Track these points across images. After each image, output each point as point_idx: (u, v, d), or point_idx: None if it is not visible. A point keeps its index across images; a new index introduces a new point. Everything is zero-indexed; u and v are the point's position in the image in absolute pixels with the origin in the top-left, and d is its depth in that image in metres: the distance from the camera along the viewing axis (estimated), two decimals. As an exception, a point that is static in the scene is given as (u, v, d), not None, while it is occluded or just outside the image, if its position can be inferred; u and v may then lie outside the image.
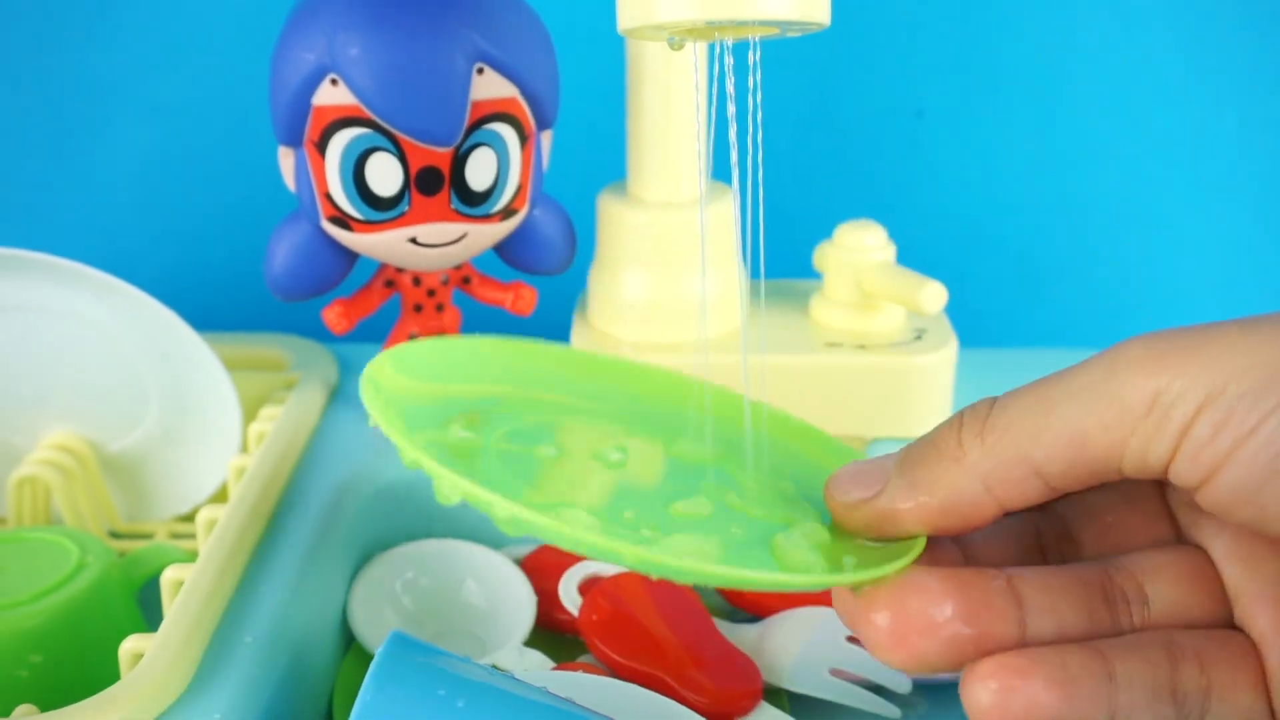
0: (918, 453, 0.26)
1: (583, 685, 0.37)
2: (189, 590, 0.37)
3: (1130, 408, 0.22)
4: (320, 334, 0.54)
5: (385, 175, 0.43)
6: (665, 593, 0.42)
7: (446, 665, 0.32)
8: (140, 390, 0.49)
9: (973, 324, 0.53)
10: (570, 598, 0.43)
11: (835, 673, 0.40)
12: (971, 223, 0.66)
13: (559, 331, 0.50)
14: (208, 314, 0.52)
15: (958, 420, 0.26)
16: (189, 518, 0.51)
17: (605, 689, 0.37)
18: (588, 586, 0.44)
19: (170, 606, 0.39)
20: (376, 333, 0.52)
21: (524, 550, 0.47)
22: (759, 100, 0.31)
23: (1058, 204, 0.66)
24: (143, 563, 0.46)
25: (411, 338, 0.49)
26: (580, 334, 0.50)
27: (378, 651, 0.31)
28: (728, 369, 0.47)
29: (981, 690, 0.24)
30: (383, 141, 0.42)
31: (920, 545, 0.26)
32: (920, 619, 0.25)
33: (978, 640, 0.24)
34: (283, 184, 0.46)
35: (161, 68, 0.62)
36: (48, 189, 0.64)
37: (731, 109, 0.31)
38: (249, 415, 0.51)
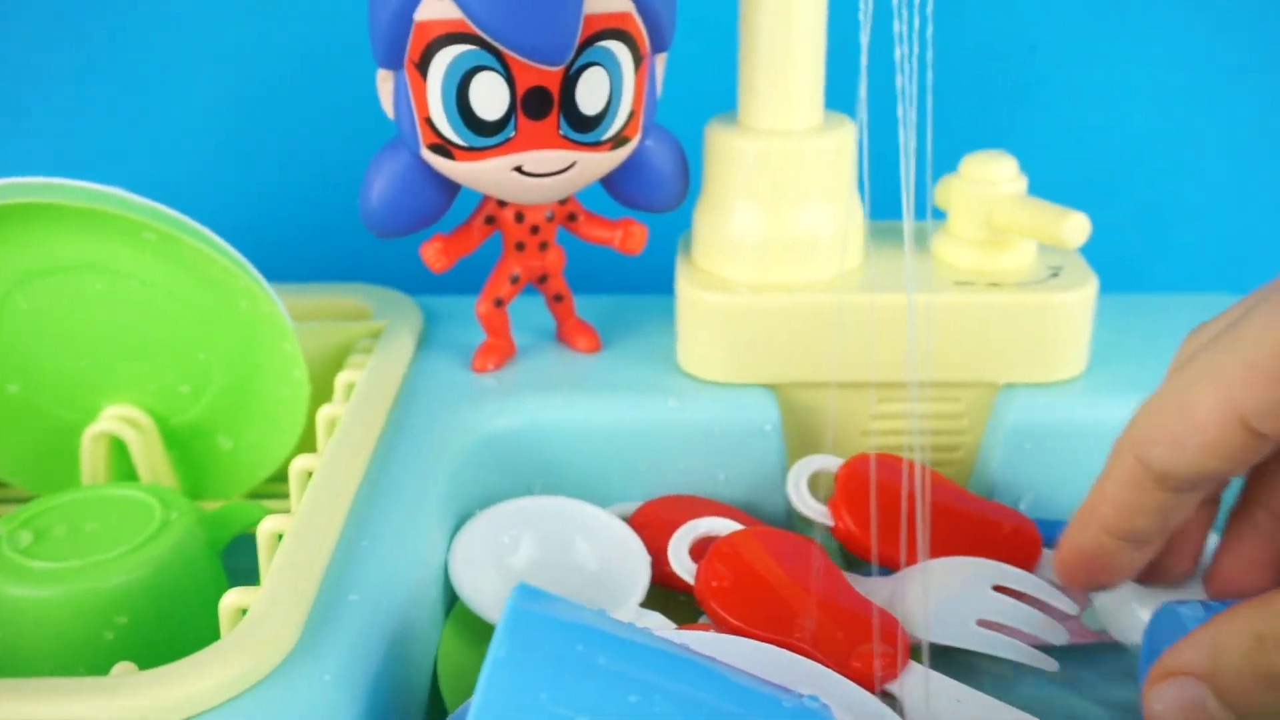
0: None
1: (727, 647, 0.34)
2: (291, 543, 0.34)
3: None
4: (400, 285, 0.52)
5: (490, 97, 0.40)
6: (788, 549, 0.39)
7: (582, 618, 0.29)
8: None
9: (1096, 267, 0.49)
10: (682, 563, 0.40)
11: (983, 624, 0.37)
12: (1093, 164, 0.62)
13: (664, 273, 0.47)
14: (278, 266, 0.49)
15: None
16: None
17: (750, 652, 0.34)
18: (701, 548, 0.40)
19: (268, 561, 0.36)
20: (468, 280, 0.49)
21: (630, 507, 0.44)
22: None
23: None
24: (227, 520, 0.43)
25: (513, 281, 0.46)
26: (685, 275, 0.46)
27: (507, 604, 0.28)
28: (855, 309, 0.44)
29: None
30: (488, 60, 0.39)
31: None
32: None
33: None
34: (358, 136, 0.42)
35: (238, 7, 0.59)
36: (117, 137, 0.61)
37: (865, 36, 0.29)
38: (334, 365, 0.48)
